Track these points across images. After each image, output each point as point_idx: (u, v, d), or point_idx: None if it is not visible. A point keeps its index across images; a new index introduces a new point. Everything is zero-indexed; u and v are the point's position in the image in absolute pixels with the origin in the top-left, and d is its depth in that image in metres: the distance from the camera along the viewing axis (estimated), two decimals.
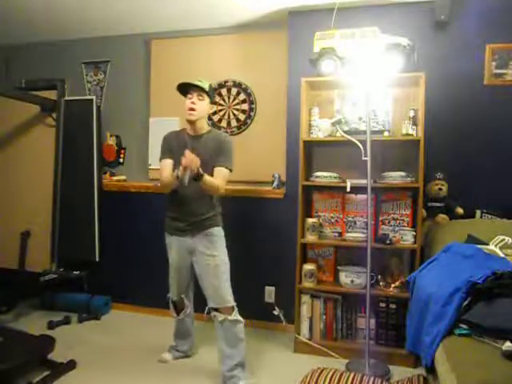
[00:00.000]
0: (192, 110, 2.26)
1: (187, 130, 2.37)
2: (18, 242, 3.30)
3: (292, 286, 2.75)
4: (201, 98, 2.27)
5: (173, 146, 2.33)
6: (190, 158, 2.02)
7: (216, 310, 2.28)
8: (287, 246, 2.93)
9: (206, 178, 2.13)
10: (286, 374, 2.40)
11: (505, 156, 2.67)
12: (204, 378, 2.37)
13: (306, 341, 2.71)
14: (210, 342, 2.57)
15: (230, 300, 2.29)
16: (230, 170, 2.30)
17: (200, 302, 2.44)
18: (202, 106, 2.28)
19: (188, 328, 2.60)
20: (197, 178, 2.09)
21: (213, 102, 2.48)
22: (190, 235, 2.32)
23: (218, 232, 2.35)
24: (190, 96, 2.28)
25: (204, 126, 2.36)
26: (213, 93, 2.40)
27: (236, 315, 2.28)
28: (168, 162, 2.32)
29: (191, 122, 2.30)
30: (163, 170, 2.32)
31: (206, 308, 2.33)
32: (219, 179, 2.24)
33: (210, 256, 2.28)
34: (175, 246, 2.37)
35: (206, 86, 2.29)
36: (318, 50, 2.63)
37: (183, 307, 2.51)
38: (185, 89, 2.30)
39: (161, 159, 2.37)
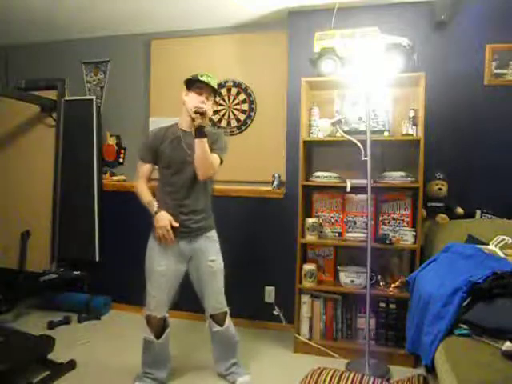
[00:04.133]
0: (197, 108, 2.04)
1: (180, 125, 2.21)
2: (18, 242, 3.30)
3: (292, 286, 2.75)
4: (210, 98, 2.14)
5: (159, 145, 2.17)
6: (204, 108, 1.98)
7: (211, 316, 2.24)
8: (287, 246, 2.92)
9: (206, 142, 2.02)
10: (286, 374, 2.40)
11: (505, 156, 2.67)
12: None
13: (306, 341, 2.71)
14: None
15: (225, 305, 2.26)
16: (221, 161, 2.18)
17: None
18: (208, 106, 2.13)
19: (168, 352, 2.27)
20: (201, 131, 1.99)
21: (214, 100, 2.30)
22: (188, 239, 2.18)
23: (215, 235, 2.28)
24: (198, 91, 2.10)
25: None
26: (218, 91, 2.25)
27: (229, 322, 2.25)
28: (147, 167, 2.22)
29: (193, 119, 2.14)
30: (140, 173, 2.23)
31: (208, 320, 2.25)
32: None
33: (211, 261, 2.20)
34: (169, 252, 2.17)
35: (215, 84, 2.15)
36: (318, 50, 2.63)
37: (166, 327, 2.20)
38: (192, 82, 2.14)
39: (141, 159, 2.24)
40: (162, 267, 2.17)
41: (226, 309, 2.26)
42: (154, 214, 2.13)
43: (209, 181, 2.24)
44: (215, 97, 2.23)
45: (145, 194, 2.20)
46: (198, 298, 2.28)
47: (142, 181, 2.24)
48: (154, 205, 2.15)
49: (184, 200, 2.16)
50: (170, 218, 2.11)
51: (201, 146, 2.03)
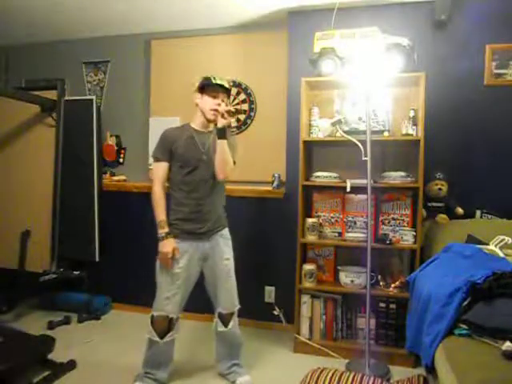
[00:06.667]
0: (218, 111, 2.12)
1: (193, 125, 2.22)
2: (18, 242, 3.29)
3: (292, 286, 2.75)
4: (225, 99, 2.19)
5: (173, 144, 2.15)
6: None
7: (219, 315, 2.24)
8: (287, 246, 2.93)
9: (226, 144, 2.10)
10: (286, 374, 2.40)
11: (505, 156, 2.67)
12: None
13: (306, 341, 2.71)
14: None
15: (236, 304, 2.29)
16: (234, 163, 2.21)
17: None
18: (225, 107, 2.16)
19: (172, 353, 2.26)
20: (224, 132, 2.08)
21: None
22: (207, 238, 2.19)
23: (228, 233, 2.29)
24: (214, 94, 2.14)
25: (212, 124, 2.23)
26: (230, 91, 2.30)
27: (234, 323, 2.26)
28: (163, 166, 2.16)
29: (210, 121, 2.19)
30: (157, 174, 2.17)
31: (216, 314, 2.26)
32: None
33: (226, 259, 2.23)
34: (187, 254, 2.15)
35: (228, 86, 2.21)
36: (318, 50, 2.63)
37: (172, 328, 2.17)
38: (207, 84, 2.15)
39: (156, 159, 2.18)
40: (179, 269, 2.14)
41: (237, 307, 2.28)
42: (161, 238, 2.11)
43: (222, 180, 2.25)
44: (228, 98, 2.25)
45: (160, 208, 2.13)
46: (207, 297, 2.29)
47: (159, 186, 2.15)
48: (163, 227, 2.11)
49: (205, 198, 2.17)
50: (175, 245, 2.11)
51: (222, 146, 2.10)
